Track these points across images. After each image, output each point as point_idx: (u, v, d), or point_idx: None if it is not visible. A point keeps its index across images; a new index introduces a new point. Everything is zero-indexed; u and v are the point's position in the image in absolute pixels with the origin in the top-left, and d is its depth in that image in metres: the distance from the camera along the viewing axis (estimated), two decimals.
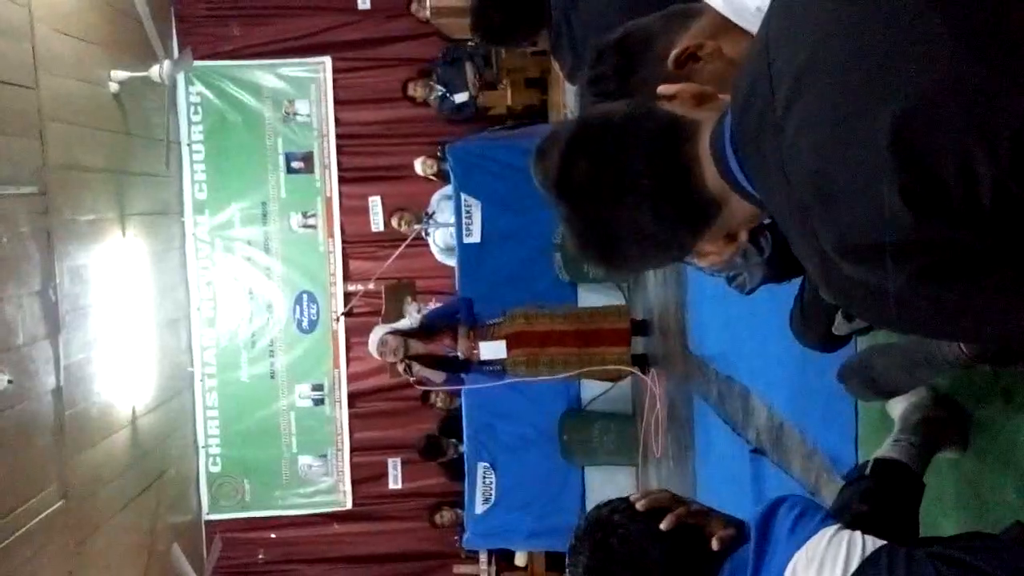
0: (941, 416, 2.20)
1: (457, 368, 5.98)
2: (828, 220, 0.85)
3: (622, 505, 1.49)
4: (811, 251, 0.91)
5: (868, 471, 2.04)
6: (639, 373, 6.09)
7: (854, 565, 1.32)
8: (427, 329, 6.01)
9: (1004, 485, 2.08)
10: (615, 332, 6.14)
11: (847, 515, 1.88)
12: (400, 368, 5.82)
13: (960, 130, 0.74)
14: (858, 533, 1.37)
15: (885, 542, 1.35)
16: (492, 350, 5.85)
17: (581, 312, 6.59)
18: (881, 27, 0.79)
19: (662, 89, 1.11)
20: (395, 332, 5.94)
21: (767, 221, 2.07)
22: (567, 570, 1.53)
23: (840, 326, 2.39)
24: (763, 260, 2.13)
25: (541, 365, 5.91)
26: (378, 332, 5.98)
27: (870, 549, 1.34)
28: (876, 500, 1.93)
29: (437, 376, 5.91)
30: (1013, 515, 1.86)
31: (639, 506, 1.47)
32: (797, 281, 2.48)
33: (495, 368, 5.92)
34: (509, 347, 5.87)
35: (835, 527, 1.38)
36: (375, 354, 6.00)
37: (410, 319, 6.11)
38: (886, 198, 0.77)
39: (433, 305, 7.26)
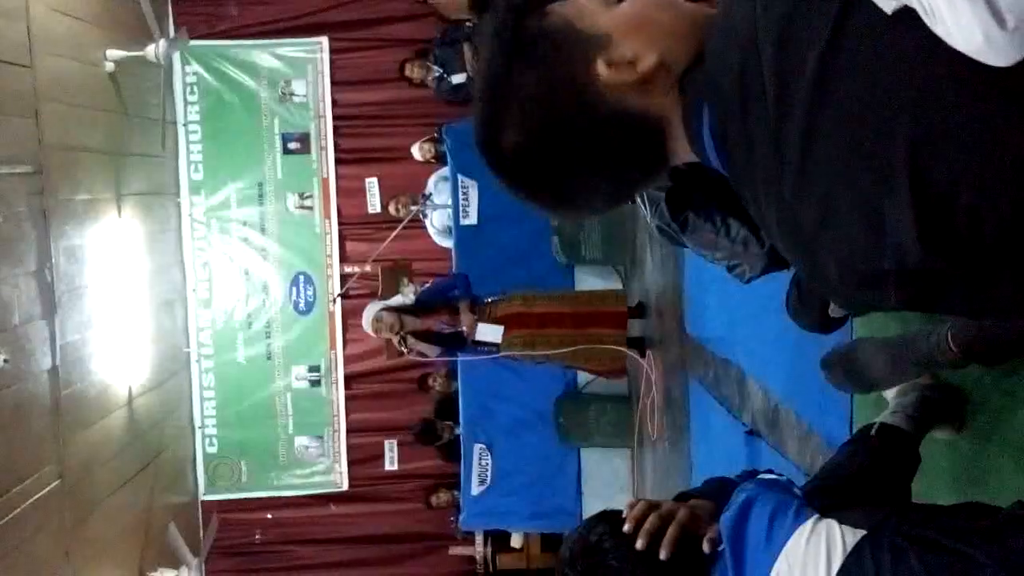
0: (937, 396, 2.21)
1: (452, 344, 5.98)
2: (831, 244, 0.86)
3: (609, 531, 1.47)
4: (803, 256, 0.91)
5: (874, 432, 2.04)
6: (636, 355, 6.10)
7: (836, 563, 1.30)
8: (422, 305, 6.01)
9: (1002, 465, 2.08)
10: (612, 315, 6.16)
11: (847, 469, 1.88)
12: (395, 341, 5.82)
13: (968, 171, 0.74)
14: (835, 524, 1.34)
15: (863, 531, 1.33)
16: (489, 333, 5.85)
17: (580, 294, 6.60)
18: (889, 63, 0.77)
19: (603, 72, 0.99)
20: (389, 308, 5.93)
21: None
22: None
23: (836, 308, 2.39)
24: (764, 252, 2.12)
25: (537, 345, 5.92)
26: (372, 309, 5.97)
27: (850, 543, 1.31)
28: (878, 462, 1.93)
29: (432, 350, 5.90)
30: (1012, 495, 1.86)
31: (625, 530, 1.45)
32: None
33: (489, 348, 5.92)
34: (507, 329, 5.87)
35: (811, 521, 1.35)
36: (369, 331, 6.00)
37: (404, 298, 6.10)
38: (899, 228, 0.78)
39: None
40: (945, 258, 0.78)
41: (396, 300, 6.10)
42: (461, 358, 6.36)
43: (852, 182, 0.80)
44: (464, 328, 5.87)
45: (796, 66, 0.81)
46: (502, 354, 5.97)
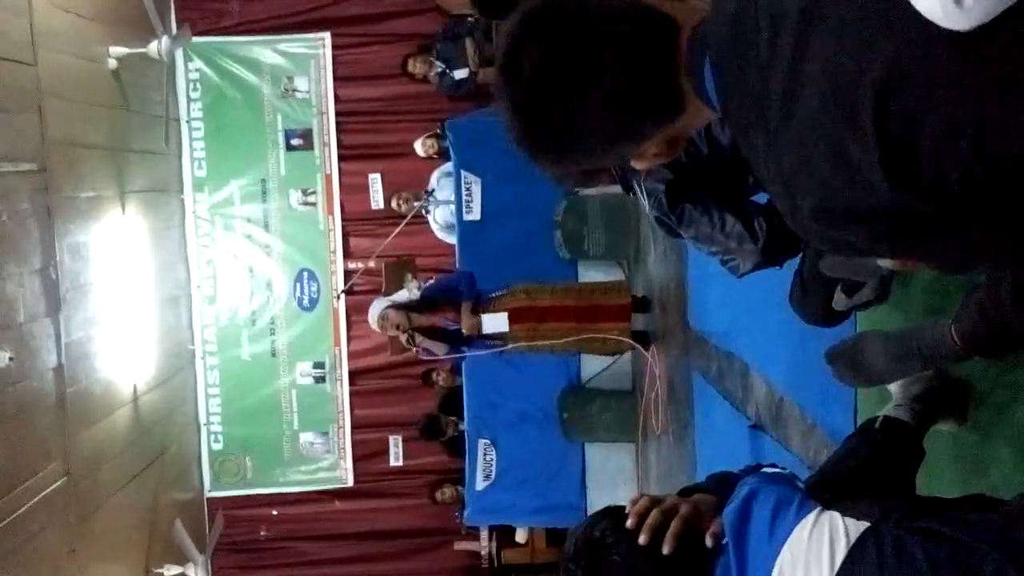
0: (941, 388, 2.20)
1: (458, 341, 5.98)
2: (806, 184, 0.90)
3: (612, 526, 1.46)
4: (782, 196, 0.96)
5: (878, 426, 2.04)
6: (640, 349, 6.10)
7: (840, 556, 1.30)
8: (428, 302, 6.00)
9: (1005, 457, 2.08)
10: (616, 308, 6.15)
11: (850, 463, 1.88)
12: (403, 339, 5.81)
13: (936, 120, 0.80)
14: (838, 516, 1.34)
15: (867, 523, 1.33)
16: (495, 323, 5.85)
17: (583, 287, 6.59)
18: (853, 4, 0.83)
19: None
20: (395, 305, 5.92)
21: (764, 201, 2.07)
22: None
23: (839, 301, 2.39)
24: (757, 248, 2.14)
25: (541, 338, 5.91)
26: (378, 306, 5.97)
27: (854, 535, 1.31)
28: (882, 455, 1.93)
29: (440, 348, 5.90)
30: (1015, 488, 1.86)
31: (628, 525, 1.44)
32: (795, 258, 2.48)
33: (495, 342, 5.92)
34: (511, 321, 5.86)
35: (814, 514, 1.35)
36: (376, 328, 6.00)
37: (409, 293, 6.10)
38: (865, 169, 0.83)
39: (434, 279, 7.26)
40: (916, 199, 0.82)
41: (401, 296, 6.10)
42: (469, 354, 6.36)
43: (825, 124, 0.85)
44: (465, 330, 5.85)
45: (785, 11, 0.87)
46: (509, 346, 5.96)
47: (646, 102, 1.03)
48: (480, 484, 7.14)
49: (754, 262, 2.21)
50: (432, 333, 5.88)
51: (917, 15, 0.77)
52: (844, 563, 1.31)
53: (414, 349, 5.90)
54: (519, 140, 1.09)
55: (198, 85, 8.04)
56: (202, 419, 8.18)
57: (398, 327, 5.78)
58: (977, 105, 0.78)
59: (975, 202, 0.82)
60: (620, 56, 1.00)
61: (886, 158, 0.81)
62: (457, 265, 7.23)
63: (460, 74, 7.86)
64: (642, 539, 1.42)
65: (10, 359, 4.73)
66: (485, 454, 7.10)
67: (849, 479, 1.82)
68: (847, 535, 1.33)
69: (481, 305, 5.95)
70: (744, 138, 0.98)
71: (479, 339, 5.93)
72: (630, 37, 1.01)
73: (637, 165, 1.16)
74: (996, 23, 0.75)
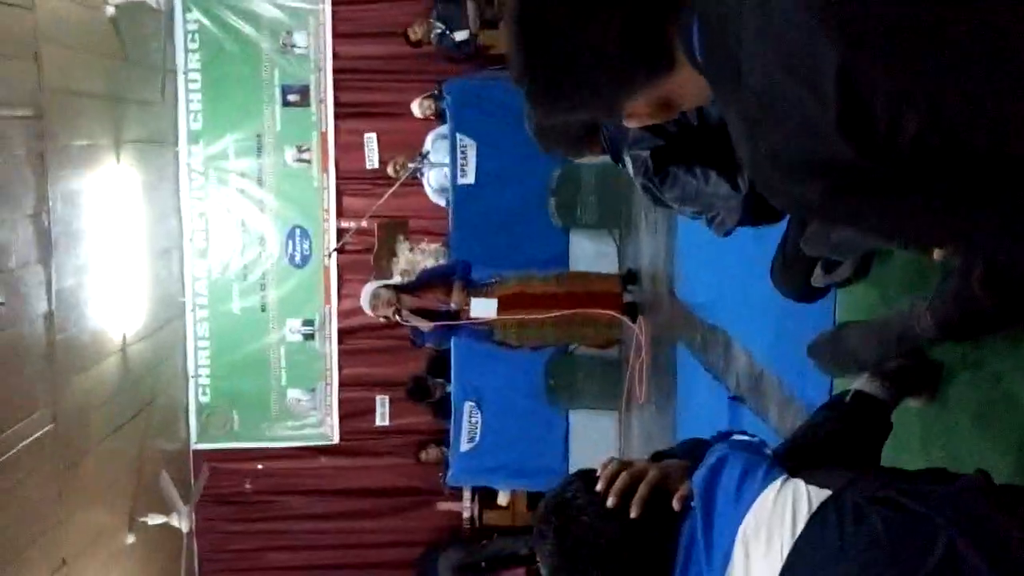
0: (913, 365, 2.25)
1: (447, 324, 5.99)
2: (768, 133, 0.93)
3: (583, 488, 1.50)
4: (747, 148, 0.99)
5: (848, 399, 2.09)
6: (628, 321, 6.14)
7: (801, 522, 1.35)
8: (420, 284, 6.04)
9: (968, 434, 2.13)
10: (606, 295, 6.19)
11: (819, 433, 1.93)
12: (390, 313, 5.83)
13: (891, 85, 0.83)
14: (802, 484, 1.38)
15: (829, 491, 1.37)
16: (483, 307, 5.87)
17: (575, 275, 6.63)
18: None
19: None
20: (387, 286, 5.95)
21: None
22: (535, 552, 1.55)
23: (818, 278, 2.43)
24: (740, 200, 2.18)
25: (531, 327, 5.95)
26: (370, 287, 6.01)
27: (816, 503, 1.35)
28: (850, 426, 1.98)
29: (425, 324, 5.92)
30: (975, 463, 1.91)
31: (598, 488, 1.48)
32: (781, 229, 2.52)
33: (483, 328, 5.93)
34: (501, 307, 5.89)
35: (779, 481, 1.39)
36: (367, 309, 6.02)
37: (401, 256, 6.11)
38: (823, 125, 0.86)
39: (425, 245, 7.28)
40: (870, 159, 0.85)
41: (394, 279, 6.15)
42: (455, 340, 6.37)
43: (787, 82, 0.88)
44: (454, 305, 5.89)
45: None
46: (496, 339, 6.01)
47: (638, 49, 1.04)
48: (464, 446, 7.20)
49: (737, 217, 2.26)
50: (422, 314, 5.91)
51: None
52: (805, 529, 1.35)
53: (400, 319, 5.91)
54: (518, 75, 1.11)
55: (196, 36, 8.00)
56: (190, 371, 8.22)
57: (388, 304, 5.81)
58: (932, 72, 0.81)
59: (930, 169, 0.84)
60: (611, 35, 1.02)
61: (844, 117, 0.84)
62: (451, 228, 7.25)
63: (460, 36, 7.83)
64: (610, 502, 1.46)
65: (1, 304, 4.75)
66: (470, 417, 7.16)
67: (817, 449, 1.86)
68: (809, 502, 1.37)
69: (472, 289, 5.98)
70: (724, 104, 1.01)
71: (467, 323, 5.95)
72: None
73: (629, 124, 1.17)
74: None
